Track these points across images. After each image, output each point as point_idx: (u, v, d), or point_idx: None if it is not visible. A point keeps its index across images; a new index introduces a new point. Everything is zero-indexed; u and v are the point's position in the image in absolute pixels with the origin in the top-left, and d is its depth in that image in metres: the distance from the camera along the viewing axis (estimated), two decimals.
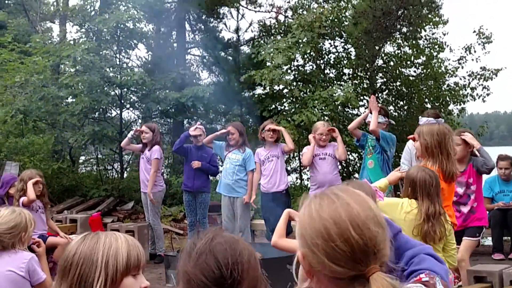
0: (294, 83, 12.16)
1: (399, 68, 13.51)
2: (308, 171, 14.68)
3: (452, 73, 13.36)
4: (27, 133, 13.01)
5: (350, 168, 13.72)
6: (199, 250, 1.43)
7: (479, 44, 13.07)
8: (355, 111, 13.01)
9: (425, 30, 13.33)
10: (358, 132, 6.83)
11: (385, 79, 13.81)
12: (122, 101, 12.11)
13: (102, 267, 1.68)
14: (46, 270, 3.73)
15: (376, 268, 1.22)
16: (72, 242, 1.80)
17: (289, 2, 14.20)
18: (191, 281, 1.41)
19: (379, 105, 7.07)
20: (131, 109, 12.96)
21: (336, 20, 12.83)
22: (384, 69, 13.64)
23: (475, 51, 13.13)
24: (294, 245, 3.37)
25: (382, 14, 11.59)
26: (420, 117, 5.76)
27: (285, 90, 12.61)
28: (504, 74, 13.27)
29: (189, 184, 7.86)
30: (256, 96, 13.50)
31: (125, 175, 13.09)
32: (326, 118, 11.13)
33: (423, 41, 13.48)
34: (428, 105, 12.91)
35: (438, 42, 13.42)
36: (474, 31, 13.05)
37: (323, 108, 11.30)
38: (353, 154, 13.53)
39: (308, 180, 14.32)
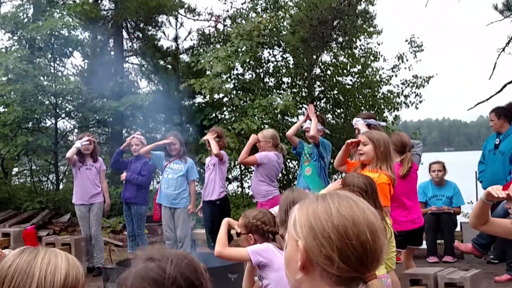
0: (234, 92, 12.22)
1: (336, 76, 13.81)
2: (248, 179, 14.83)
3: (386, 81, 13.76)
4: None
5: (290, 176, 13.88)
6: (171, 276, 1.45)
7: (411, 52, 13.54)
8: (294, 119, 13.18)
9: (360, 40, 13.71)
10: (296, 140, 6.95)
11: (322, 88, 14.08)
12: (57, 111, 11.77)
13: (39, 283, 1.63)
14: None
15: (374, 275, 1.26)
16: (9, 254, 1.74)
17: (227, 11, 14.29)
18: None
19: (317, 113, 7.23)
20: (66, 118, 12.61)
21: (274, 29, 13.00)
22: (322, 78, 13.91)
23: (407, 60, 13.58)
24: (239, 253, 3.39)
25: (318, 24, 11.83)
26: (355, 118, 5.95)
27: (225, 99, 12.65)
28: (435, 81, 13.79)
29: (123, 195, 7.80)
30: (196, 105, 13.46)
31: (61, 186, 12.71)
32: (266, 126, 11.24)
33: (359, 51, 13.85)
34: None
35: (373, 52, 13.81)
36: (406, 40, 13.52)
37: (263, 116, 11.41)
38: (293, 162, 13.70)
39: (249, 188, 14.44)
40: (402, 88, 13.78)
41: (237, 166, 14.00)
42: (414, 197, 5.55)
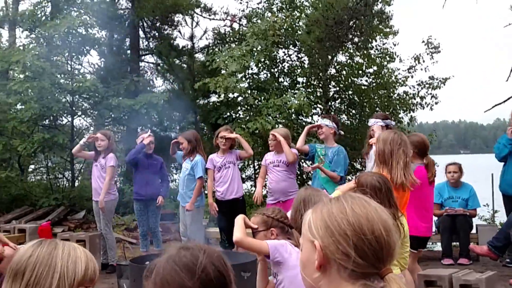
0: (249, 91, 12.22)
1: (351, 77, 13.78)
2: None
3: (402, 82, 13.70)
4: None
5: (304, 176, 13.85)
6: (202, 264, 1.54)
7: (427, 53, 13.47)
8: (308, 119, 13.16)
9: (376, 41, 13.67)
10: (306, 148, 6.86)
11: (337, 88, 14.05)
12: (74, 108, 11.87)
13: (61, 274, 1.65)
14: None
15: (390, 269, 1.30)
16: (25, 246, 1.75)
17: (243, 10, 14.32)
18: None
19: (332, 113, 7.24)
20: (83, 116, 12.71)
21: (289, 29, 13.00)
22: (337, 78, 13.88)
23: (423, 61, 13.52)
24: (259, 244, 3.38)
25: (334, 23, 11.81)
26: (370, 118, 5.92)
27: (240, 98, 12.67)
28: (451, 82, 13.70)
29: (142, 192, 7.77)
30: (211, 103, 13.49)
31: (76, 183, 12.81)
32: (280, 125, 11.23)
33: (374, 51, 13.80)
34: None
35: (389, 52, 13.76)
36: (423, 41, 13.45)
37: (277, 115, 11.40)
38: (307, 162, 13.67)
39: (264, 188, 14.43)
40: (418, 89, 13.72)
41: (251, 166, 14.02)
42: (432, 205, 5.54)
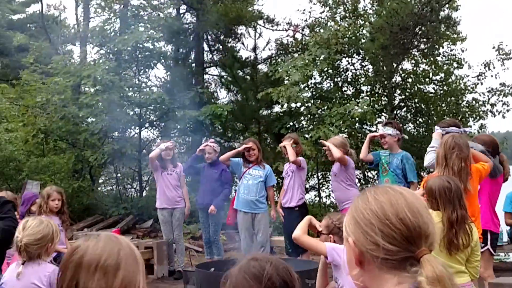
0: (312, 101, 12.17)
1: (417, 85, 13.46)
2: (326, 188, 14.69)
3: (471, 89, 13.27)
4: (48, 152, 13.18)
5: (369, 186, 13.61)
6: (268, 274, 1.73)
7: (498, 60, 13.00)
8: (373, 128, 12.95)
9: (443, 47, 13.31)
10: (370, 157, 6.68)
11: (403, 96, 13.76)
12: (141, 120, 12.23)
13: (142, 267, 1.70)
14: None
15: (426, 250, 1.26)
16: (89, 243, 1.65)
17: (306, 20, 14.32)
18: None
19: (394, 120, 7.09)
20: (149, 128, 13.07)
21: (353, 37, 12.87)
22: (402, 86, 13.60)
23: (494, 67, 13.05)
24: (316, 244, 3.38)
25: (399, 30, 11.60)
26: (436, 126, 5.76)
27: (302, 108, 12.64)
28: None
29: (201, 201, 7.89)
30: (273, 114, 13.54)
31: (144, 193, 13.16)
32: (344, 134, 11.11)
33: (441, 58, 13.44)
34: None
35: (457, 59, 13.37)
36: (494, 47, 12.99)
37: (340, 124, 11.28)
38: (372, 172, 13.46)
39: (326, 198, 14.31)
40: (488, 96, 13.24)
41: (315, 175, 13.93)
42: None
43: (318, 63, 11.61)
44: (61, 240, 6.02)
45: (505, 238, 7.39)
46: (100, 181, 15.19)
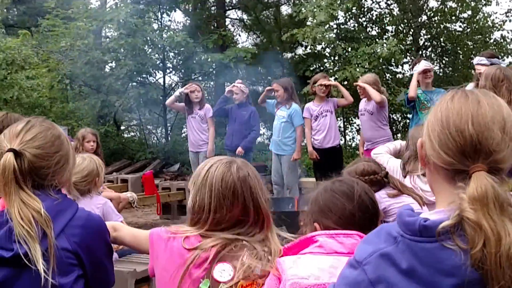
0: (337, 41, 11.97)
1: (444, 23, 13.15)
2: (349, 131, 14.65)
3: (499, 26, 12.94)
4: (72, 98, 13.23)
5: (393, 128, 13.55)
6: (358, 192, 1.85)
7: None
8: (398, 69, 12.78)
9: None
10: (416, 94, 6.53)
11: (429, 36, 13.47)
12: (165, 64, 12.16)
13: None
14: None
15: (482, 167, 1.17)
16: (214, 167, 1.89)
17: None
18: (354, 216, 1.83)
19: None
20: (173, 72, 13.00)
21: None
22: (428, 25, 13.29)
23: None
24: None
25: None
26: (477, 57, 5.61)
27: (327, 50, 12.45)
28: None
29: (228, 142, 7.86)
30: (297, 56, 13.37)
31: (169, 138, 13.25)
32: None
33: None
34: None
35: None
36: None
37: (367, 65, 11.12)
38: (396, 114, 13.38)
39: (352, 140, 14.31)
40: None
41: (339, 118, 13.87)
42: None
43: (343, 2, 11.35)
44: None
45: None
46: (123, 127, 15.29)
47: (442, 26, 13.19)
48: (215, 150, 8.00)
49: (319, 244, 1.73)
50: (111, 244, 1.86)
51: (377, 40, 12.50)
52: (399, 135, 13.77)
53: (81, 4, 12.42)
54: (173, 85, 13.29)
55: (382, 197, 3.61)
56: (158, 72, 12.51)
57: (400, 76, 13.10)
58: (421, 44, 13.43)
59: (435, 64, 13.31)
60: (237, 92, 7.68)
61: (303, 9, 11.56)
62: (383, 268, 1.15)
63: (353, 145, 13.80)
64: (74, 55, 11.56)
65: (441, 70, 13.36)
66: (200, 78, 13.12)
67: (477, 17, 13.01)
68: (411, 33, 13.23)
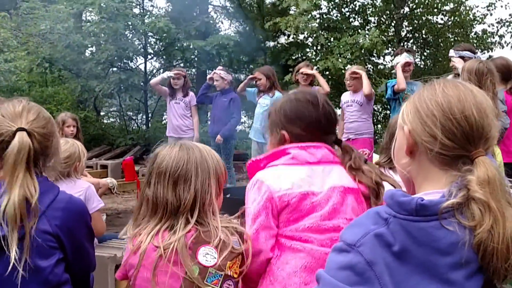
0: (320, 31, 11.98)
1: (426, 15, 13.24)
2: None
3: (480, 20, 13.07)
4: (51, 82, 13.04)
5: (374, 119, 13.64)
6: (322, 100, 1.97)
7: None
8: (380, 60, 12.85)
9: None
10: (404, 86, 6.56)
11: (411, 28, 13.56)
12: (146, 49, 12.05)
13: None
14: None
15: (482, 152, 1.22)
16: (168, 150, 1.81)
17: None
18: (320, 122, 1.97)
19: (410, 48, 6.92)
20: (155, 58, 12.89)
21: None
22: (411, 17, 13.37)
23: None
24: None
25: None
26: (451, 50, 5.64)
27: (310, 39, 12.46)
28: None
29: (210, 129, 7.86)
30: (280, 45, 13.35)
31: (149, 124, 13.16)
32: (352, 65, 11.01)
33: None
34: None
35: None
36: None
37: (349, 55, 11.16)
38: (377, 105, 13.46)
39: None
40: (497, 27, 13.07)
41: None
42: None
43: None
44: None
45: None
46: (103, 113, 15.14)
47: (424, 18, 13.27)
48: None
49: (292, 156, 1.91)
50: (92, 228, 1.84)
51: (359, 30, 12.54)
52: (379, 126, 13.89)
53: None
54: (154, 71, 13.19)
55: None
56: (140, 57, 12.41)
57: (382, 67, 13.18)
58: (403, 36, 13.51)
59: (416, 56, 13.40)
60: (217, 79, 7.63)
61: None
62: (379, 249, 1.14)
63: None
64: (54, 38, 11.38)
65: (422, 62, 13.46)
66: (182, 65, 13.02)
67: (460, 10, 13.12)
68: (393, 24, 13.29)
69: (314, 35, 11.70)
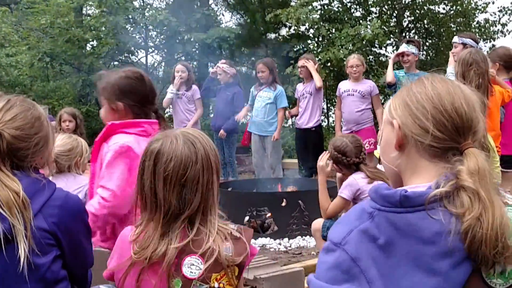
0: (321, 23, 11.93)
1: (427, 5, 13.16)
2: (333, 113, 14.67)
3: (482, 9, 13.00)
4: (52, 77, 13.05)
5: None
6: (146, 77, 2.79)
7: None
8: (382, 50, 12.79)
9: None
10: (394, 78, 6.59)
11: (412, 17, 13.48)
12: (147, 43, 12.04)
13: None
14: None
15: (471, 143, 1.24)
16: (173, 148, 1.66)
17: None
18: (148, 96, 2.79)
19: (414, 38, 6.90)
20: (156, 51, 12.88)
21: None
22: (412, 7, 13.29)
23: None
24: (336, 204, 3.88)
25: None
26: (455, 36, 5.62)
27: (311, 31, 12.41)
28: None
29: (213, 123, 7.85)
30: (281, 36, 13.30)
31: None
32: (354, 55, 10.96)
33: None
34: None
35: None
36: None
37: (351, 46, 11.11)
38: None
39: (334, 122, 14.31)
40: (499, 16, 13.00)
41: (324, 99, 13.88)
42: None
43: None
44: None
45: None
46: None
47: (426, 8, 13.19)
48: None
49: (144, 129, 2.61)
50: (89, 225, 1.84)
51: (361, 21, 12.47)
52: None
53: None
54: (155, 65, 13.19)
55: (357, 179, 3.76)
56: (141, 51, 12.39)
57: (383, 58, 13.13)
58: (404, 26, 13.44)
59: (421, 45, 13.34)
60: (220, 73, 7.63)
61: None
62: (364, 244, 1.16)
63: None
64: (55, 32, 11.39)
65: (424, 53, 13.39)
66: (183, 58, 13.00)
67: None
68: (395, 14, 13.22)
69: (316, 26, 11.64)
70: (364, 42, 11.17)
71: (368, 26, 11.15)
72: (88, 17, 11.84)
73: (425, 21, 13.36)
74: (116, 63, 12.18)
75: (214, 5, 15.49)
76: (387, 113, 1.34)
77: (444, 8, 13.27)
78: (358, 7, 13.46)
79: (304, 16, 10.93)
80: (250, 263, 1.75)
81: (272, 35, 13.61)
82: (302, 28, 12.21)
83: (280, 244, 5.04)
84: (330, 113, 14.35)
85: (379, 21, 11.38)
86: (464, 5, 13.04)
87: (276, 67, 7.46)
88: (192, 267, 1.59)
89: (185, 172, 1.63)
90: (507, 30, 12.93)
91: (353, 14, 13.26)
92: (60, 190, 1.76)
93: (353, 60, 6.78)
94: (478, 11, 13.01)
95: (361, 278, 1.14)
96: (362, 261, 1.15)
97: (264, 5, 13.38)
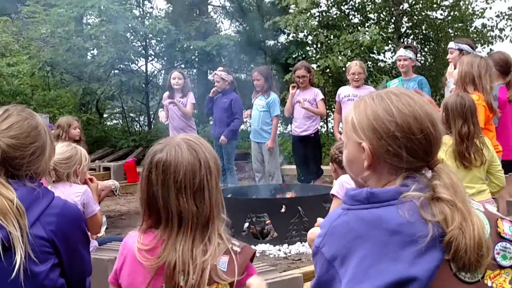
0: (320, 29, 11.99)
1: (425, 11, 13.22)
2: (332, 119, 14.69)
3: (480, 14, 13.06)
4: (53, 86, 13.11)
5: None
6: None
7: None
8: (380, 56, 12.84)
9: None
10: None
11: (410, 24, 13.54)
12: (147, 51, 12.10)
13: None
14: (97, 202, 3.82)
15: (438, 160, 1.32)
16: (179, 156, 1.62)
17: None
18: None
19: (412, 44, 6.96)
20: (155, 59, 12.93)
21: None
22: (410, 13, 13.35)
23: None
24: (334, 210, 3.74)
25: None
26: (451, 42, 5.67)
27: (310, 38, 12.47)
28: None
29: (212, 131, 7.90)
30: (280, 43, 13.36)
31: (151, 126, 13.22)
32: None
33: None
34: None
35: None
36: None
37: (349, 52, 11.17)
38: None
39: (333, 128, 14.34)
40: (496, 21, 13.06)
41: None
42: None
43: None
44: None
45: None
46: (106, 115, 15.20)
47: (423, 13, 13.26)
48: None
49: None
50: (87, 233, 1.87)
51: (359, 28, 12.53)
52: None
53: None
54: (155, 73, 13.24)
55: (347, 180, 3.78)
56: (140, 59, 12.45)
57: (382, 64, 13.18)
58: (402, 32, 13.50)
59: (418, 50, 13.39)
60: (218, 80, 7.67)
61: None
62: (336, 242, 1.26)
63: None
64: (55, 42, 11.46)
65: (423, 58, 13.45)
66: (182, 66, 13.06)
67: (459, 4, 13.10)
68: (393, 20, 13.28)
69: (314, 33, 11.71)
70: (362, 48, 11.23)
71: (366, 33, 11.21)
72: (88, 26, 11.89)
73: (423, 27, 13.42)
74: (116, 71, 12.22)
75: (213, 13, 15.58)
76: (351, 129, 1.36)
77: (441, 14, 13.34)
78: (356, 13, 13.52)
79: (302, 23, 11.01)
80: None
81: (271, 42, 13.66)
82: (301, 35, 12.29)
83: (279, 250, 5.07)
84: (330, 119, 14.39)
85: (377, 27, 11.45)
86: (462, 10, 13.10)
87: (272, 74, 7.51)
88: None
89: (194, 179, 1.60)
90: (505, 35, 12.98)
91: (351, 21, 13.32)
92: (58, 199, 1.80)
93: (355, 67, 6.81)
94: (475, 16, 13.06)
95: (336, 277, 1.25)
96: (336, 261, 1.25)
97: (263, 12, 13.45)
